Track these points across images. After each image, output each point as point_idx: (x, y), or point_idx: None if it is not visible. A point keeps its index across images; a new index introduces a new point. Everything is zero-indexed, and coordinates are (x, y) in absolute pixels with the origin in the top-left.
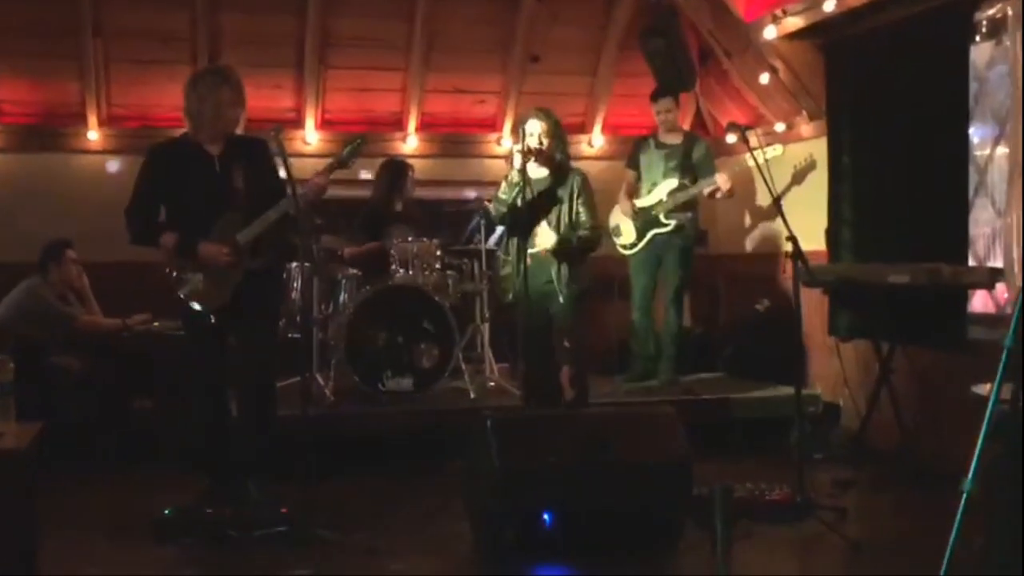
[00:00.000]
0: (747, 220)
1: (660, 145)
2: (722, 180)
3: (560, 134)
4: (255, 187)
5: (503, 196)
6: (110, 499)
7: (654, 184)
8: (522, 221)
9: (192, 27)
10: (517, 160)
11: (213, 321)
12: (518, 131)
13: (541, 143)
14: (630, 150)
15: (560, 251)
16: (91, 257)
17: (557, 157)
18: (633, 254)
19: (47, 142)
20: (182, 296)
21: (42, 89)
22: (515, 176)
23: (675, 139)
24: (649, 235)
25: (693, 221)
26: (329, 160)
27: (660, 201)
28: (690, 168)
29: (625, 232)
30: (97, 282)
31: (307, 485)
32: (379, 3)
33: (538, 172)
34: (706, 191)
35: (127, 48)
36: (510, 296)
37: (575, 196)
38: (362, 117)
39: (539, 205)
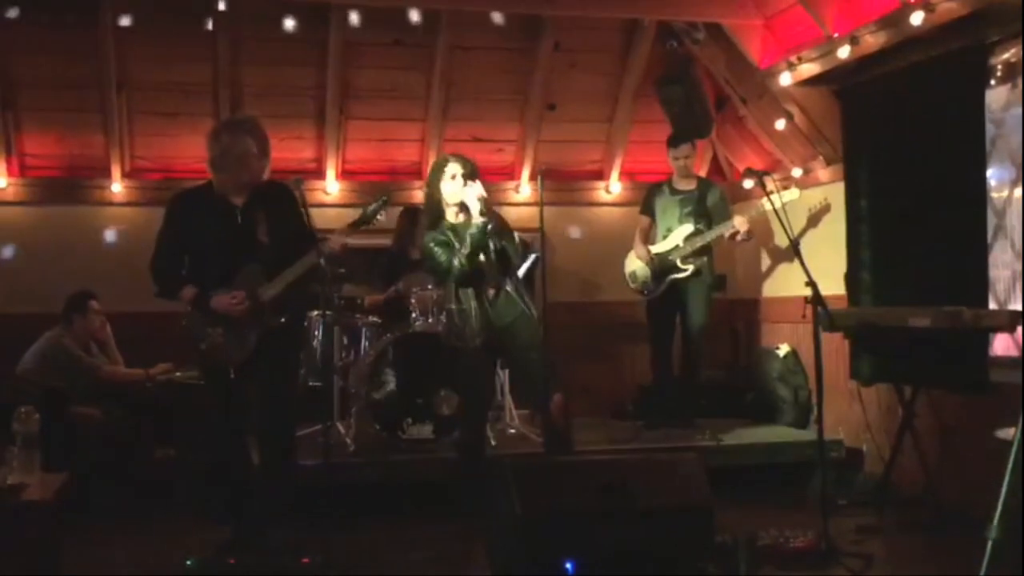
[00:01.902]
0: (766, 265)
1: (675, 191)
2: (739, 222)
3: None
4: (278, 237)
5: (465, 249)
6: (132, 549)
7: (669, 230)
8: (482, 273)
9: (214, 80)
10: (476, 208)
11: (233, 376)
12: (439, 174)
13: (459, 181)
14: (644, 196)
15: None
16: (114, 308)
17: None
18: (651, 301)
19: (71, 195)
20: (202, 350)
21: (66, 142)
22: (476, 230)
23: (689, 185)
24: (667, 281)
25: (709, 266)
26: (356, 216)
27: (676, 246)
28: (705, 213)
29: (642, 278)
30: (120, 333)
31: (328, 534)
32: (398, 55)
33: (459, 217)
34: (726, 234)
35: (150, 101)
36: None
37: (497, 233)
38: (382, 167)
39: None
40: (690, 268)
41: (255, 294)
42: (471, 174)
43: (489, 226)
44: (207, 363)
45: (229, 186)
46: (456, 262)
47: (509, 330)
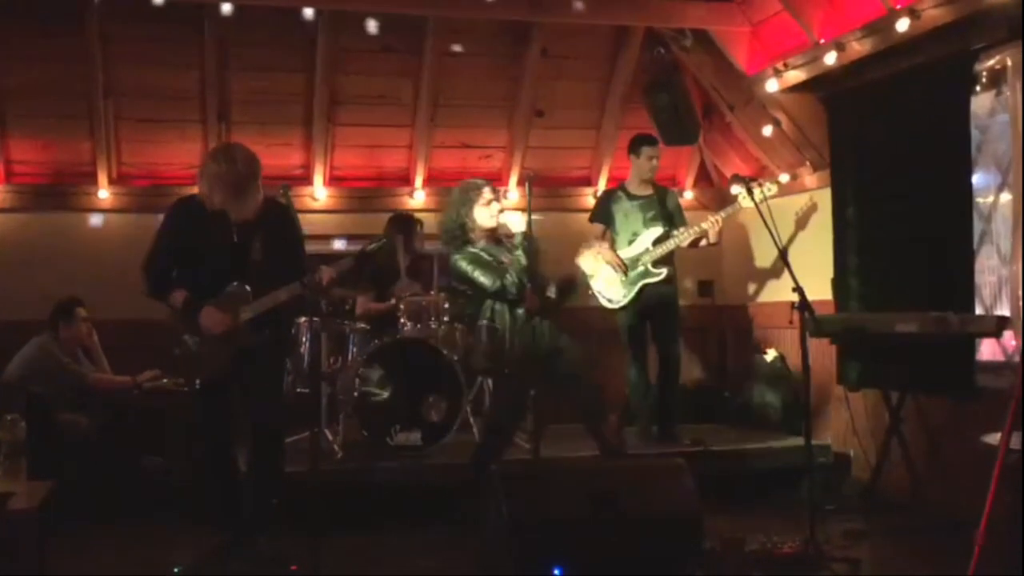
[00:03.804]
0: (753, 270)
1: (632, 196)
2: (711, 223)
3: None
4: (271, 258)
5: (512, 271)
6: (121, 556)
7: (635, 234)
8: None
9: (201, 86)
10: (518, 223)
11: (198, 386)
12: (473, 197)
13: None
14: (598, 203)
15: (552, 308)
16: (101, 315)
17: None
18: (623, 308)
19: (58, 201)
20: (176, 356)
21: (53, 149)
22: (523, 252)
23: (647, 190)
24: (638, 287)
25: (674, 272)
26: (352, 254)
27: (647, 250)
28: (668, 217)
29: (610, 286)
30: (107, 339)
31: (316, 540)
32: (386, 61)
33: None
34: (687, 241)
35: (137, 107)
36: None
37: (533, 255)
38: (370, 173)
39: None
40: (663, 273)
41: (236, 314)
42: (498, 195)
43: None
44: (181, 371)
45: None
46: (507, 281)
47: (554, 358)
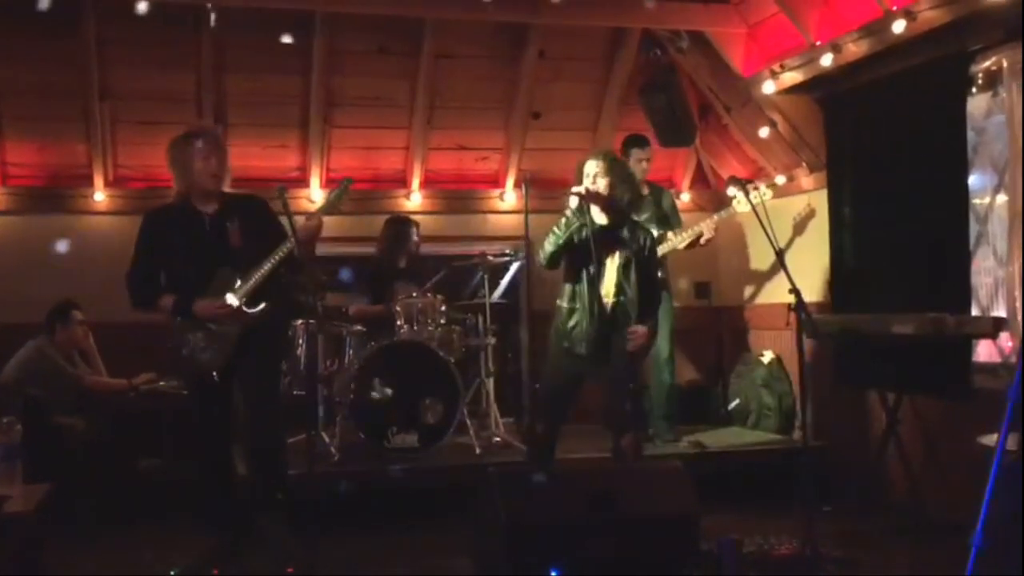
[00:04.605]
0: (750, 272)
1: None
2: (708, 227)
3: (622, 176)
4: (252, 243)
5: (556, 233)
6: (117, 559)
7: None
8: (582, 261)
9: (197, 88)
10: (573, 201)
11: (217, 379)
12: (580, 173)
13: (596, 184)
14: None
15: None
16: (97, 318)
17: (618, 198)
18: None
19: (54, 204)
20: (183, 356)
21: (49, 151)
22: (572, 218)
23: (642, 190)
24: None
25: (666, 274)
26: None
27: None
28: (664, 218)
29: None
30: (103, 342)
31: (313, 542)
32: (382, 63)
33: (601, 217)
34: (687, 240)
35: (133, 110)
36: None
37: (644, 250)
38: (367, 175)
39: (600, 244)
40: (659, 275)
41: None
42: (609, 171)
43: (583, 215)
44: (189, 371)
45: (194, 196)
46: (544, 246)
47: (609, 363)
